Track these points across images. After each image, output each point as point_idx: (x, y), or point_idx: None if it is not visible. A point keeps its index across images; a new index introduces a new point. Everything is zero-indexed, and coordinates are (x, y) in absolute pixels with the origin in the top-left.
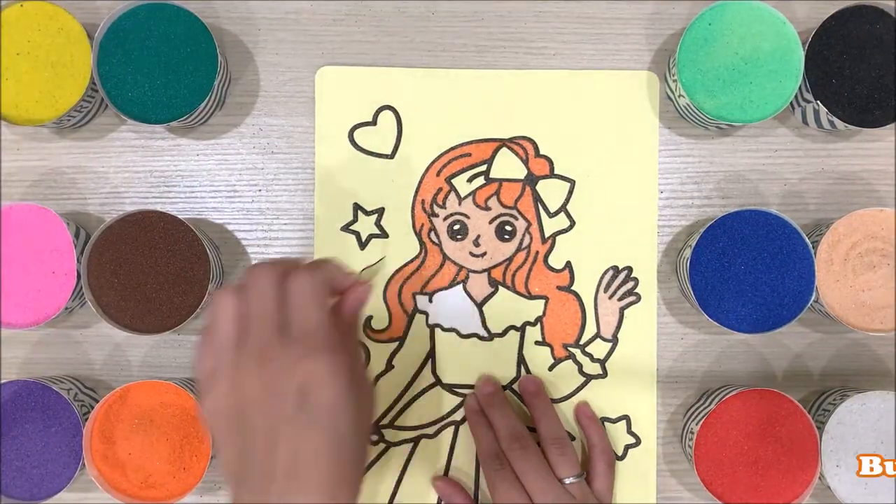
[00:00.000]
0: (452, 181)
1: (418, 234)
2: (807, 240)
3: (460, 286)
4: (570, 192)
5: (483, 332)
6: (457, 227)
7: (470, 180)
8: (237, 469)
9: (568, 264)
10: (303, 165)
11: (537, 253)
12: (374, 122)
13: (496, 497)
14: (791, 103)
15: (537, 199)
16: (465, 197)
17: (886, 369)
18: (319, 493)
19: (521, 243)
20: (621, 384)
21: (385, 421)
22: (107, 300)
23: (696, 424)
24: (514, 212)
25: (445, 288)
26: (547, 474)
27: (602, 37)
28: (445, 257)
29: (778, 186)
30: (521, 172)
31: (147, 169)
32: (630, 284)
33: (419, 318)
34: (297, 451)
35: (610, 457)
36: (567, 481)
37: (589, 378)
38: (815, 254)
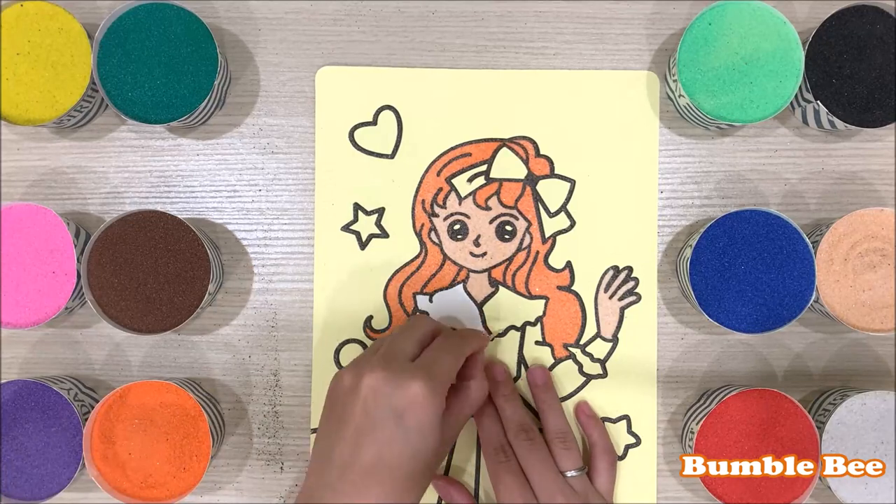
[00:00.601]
0: (453, 181)
1: (418, 234)
2: (807, 240)
3: (461, 286)
4: (571, 192)
5: (483, 332)
6: (457, 226)
7: (470, 180)
8: (321, 448)
9: (568, 264)
10: (303, 165)
11: (537, 253)
12: (374, 122)
13: (499, 488)
14: (791, 103)
15: (537, 198)
16: (466, 197)
17: (886, 369)
18: (391, 494)
19: (521, 243)
20: (621, 384)
21: None
22: (107, 300)
23: (696, 424)
24: (514, 212)
25: (446, 288)
26: (552, 468)
27: (602, 37)
28: (446, 257)
29: (778, 186)
30: (521, 172)
31: (147, 169)
32: (630, 284)
33: None
34: (381, 454)
35: (612, 455)
36: (569, 475)
37: (589, 378)
38: (815, 254)
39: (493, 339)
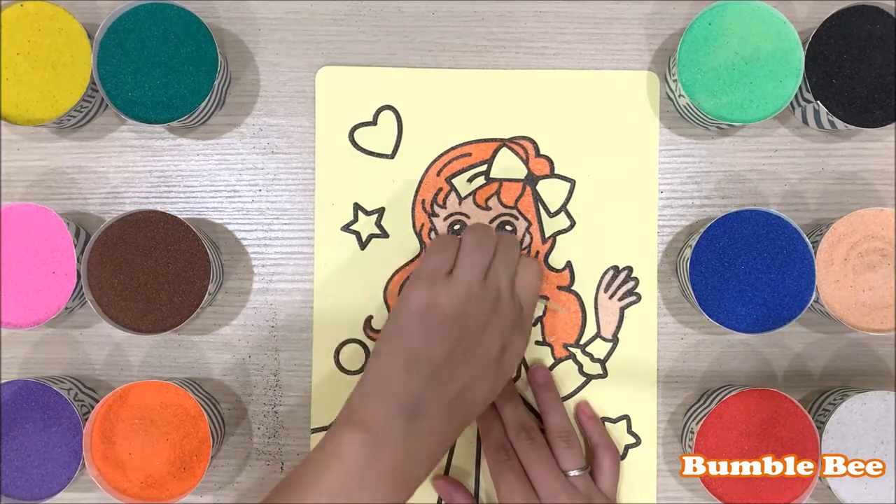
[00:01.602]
0: (453, 181)
1: (418, 234)
2: (807, 240)
3: None
4: (571, 192)
5: None
6: (457, 226)
7: (470, 180)
8: (411, 358)
9: (568, 264)
10: (303, 165)
11: (537, 253)
12: (374, 122)
13: (500, 488)
14: (791, 103)
15: (537, 198)
16: (466, 197)
17: (886, 369)
18: (463, 420)
19: (521, 243)
20: (621, 384)
21: None
22: (107, 300)
23: (696, 424)
24: (514, 212)
25: None
26: (554, 467)
27: (602, 37)
28: None
29: (778, 186)
30: (521, 172)
31: (147, 169)
32: (630, 284)
33: None
34: (471, 385)
35: (615, 454)
36: (571, 474)
37: (589, 378)
38: (815, 254)
39: None
